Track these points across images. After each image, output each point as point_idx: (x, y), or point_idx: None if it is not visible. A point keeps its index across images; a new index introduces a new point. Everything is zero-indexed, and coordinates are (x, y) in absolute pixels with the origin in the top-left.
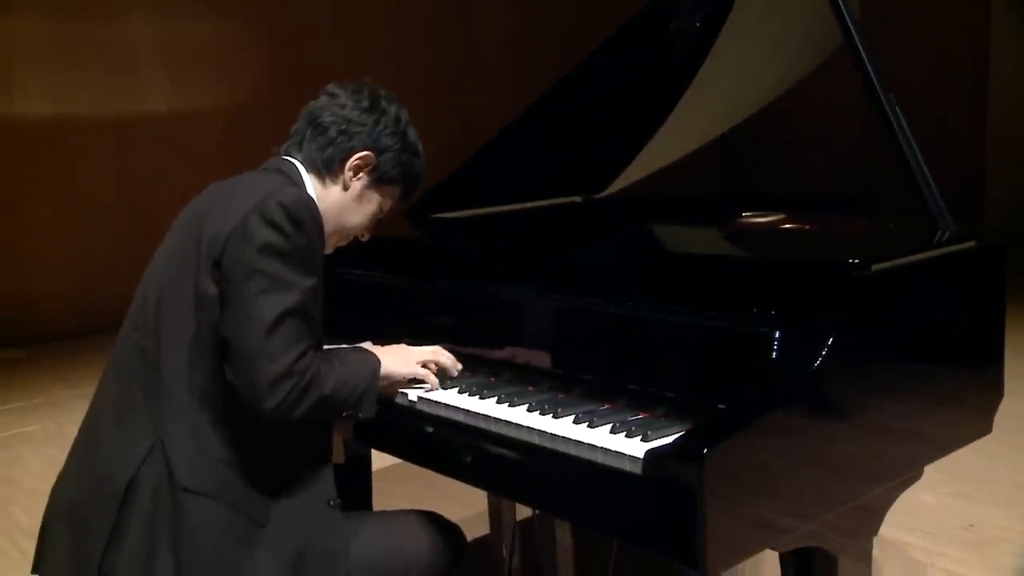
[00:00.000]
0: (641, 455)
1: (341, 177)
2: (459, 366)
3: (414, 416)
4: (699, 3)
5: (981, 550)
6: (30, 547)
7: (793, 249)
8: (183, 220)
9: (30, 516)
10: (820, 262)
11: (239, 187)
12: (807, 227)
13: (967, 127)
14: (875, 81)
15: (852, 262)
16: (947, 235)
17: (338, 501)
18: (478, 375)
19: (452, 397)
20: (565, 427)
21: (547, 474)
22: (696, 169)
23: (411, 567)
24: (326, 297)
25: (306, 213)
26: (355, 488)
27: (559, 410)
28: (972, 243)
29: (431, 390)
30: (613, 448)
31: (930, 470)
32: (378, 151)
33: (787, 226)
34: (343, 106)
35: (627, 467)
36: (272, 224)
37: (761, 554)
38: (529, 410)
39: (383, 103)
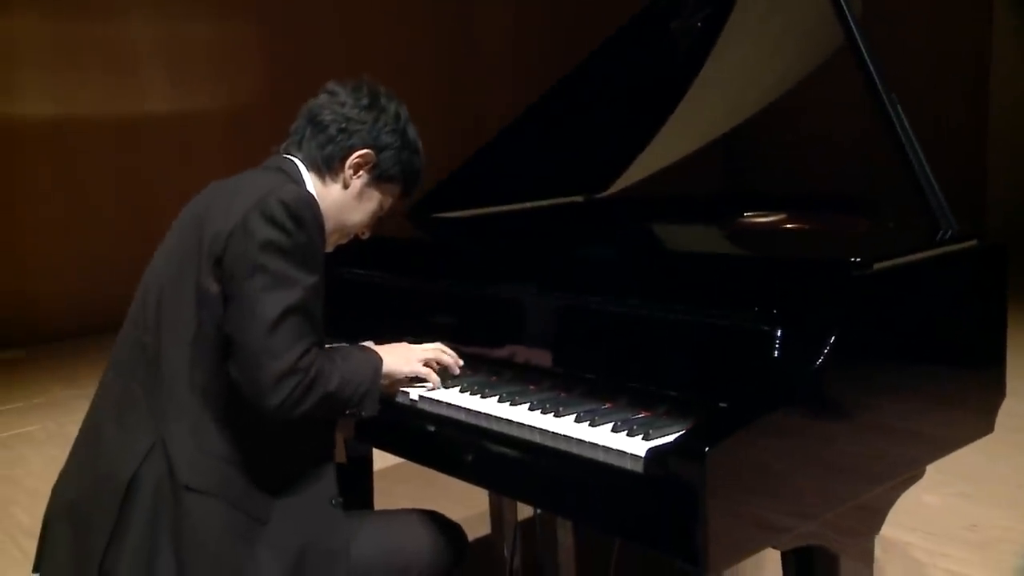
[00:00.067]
0: (643, 453)
1: (341, 175)
2: (460, 364)
3: (416, 415)
4: (700, 3)
5: (983, 550)
6: (31, 547)
7: (795, 248)
8: (183, 219)
9: (31, 516)
10: (822, 261)
11: (240, 185)
12: (808, 227)
13: (968, 127)
14: (877, 81)
15: (854, 261)
16: (949, 234)
17: (340, 499)
18: (479, 374)
19: (454, 396)
20: (567, 426)
21: (548, 473)
22: (697, 169)
23: (412, 566)
24: (327, 296)
25: (307, 210)
26: (356, 488)
27: (561, 409)
28: (974, 242)
29: (433, 389)
30: (615, 447)
31: (932, 470)
32: (378, 149)
33: (788, 226)
34: (343, 104)
35: (629, 465)
36: (273, 221)
37: (762, 553)
38: (531, 409)
39: (383, 101)
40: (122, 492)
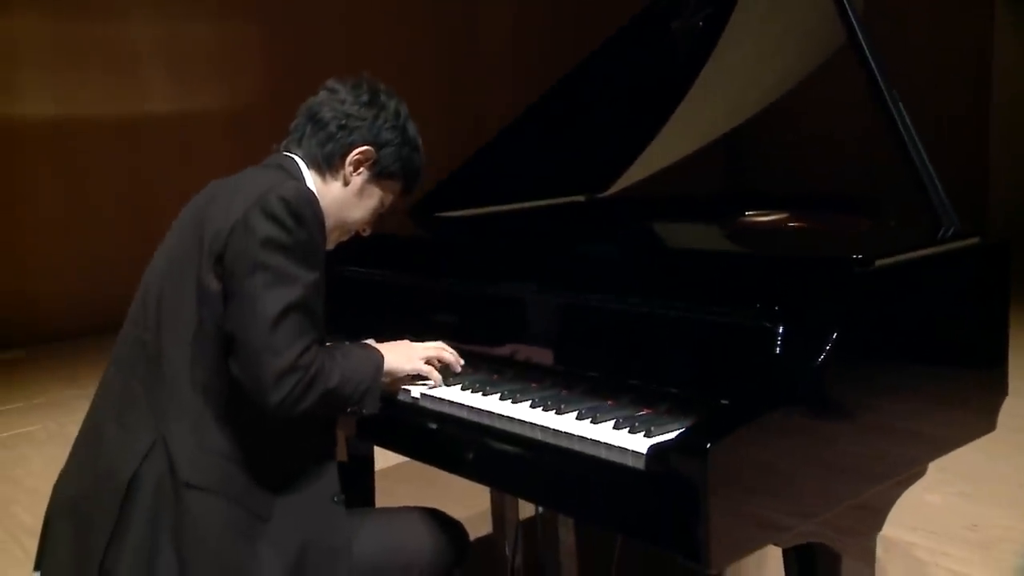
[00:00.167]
0: (644, 450)
1: (341, 172)
2: (462, 362)
3: (417, 412)
4: (702, 3)
5: (984, 550)
6: (33, 546)
7: (796, 245)
8: (184, 218)
9: (33, 515)
10: (823, 258)
11: (240, 183)
12: (810, 227)
13: (970, 125)
14: (879, 79)
15: (855, 258)
16: (951, 232)
17: (342, 497)
18: (481, 372)
19: (455, 393)
20: (568, 423)
21: (550, 470)
22: (699, 169)
23: (414, 564)
24: (329, 294)
25: (307, 207)
26: (358, 487)
27: (562, 406)
28: (976, 240)
29: (434, 387)
30: (616, 443)
31: (933, 470)
32: (378, 146)
33: (790, 225)
34: (343, 101)
35: (630, 462)
36: (274, 218)
37: (764, 550)
38: (532, 406)
39: (382, 98)
40: (123, 490)
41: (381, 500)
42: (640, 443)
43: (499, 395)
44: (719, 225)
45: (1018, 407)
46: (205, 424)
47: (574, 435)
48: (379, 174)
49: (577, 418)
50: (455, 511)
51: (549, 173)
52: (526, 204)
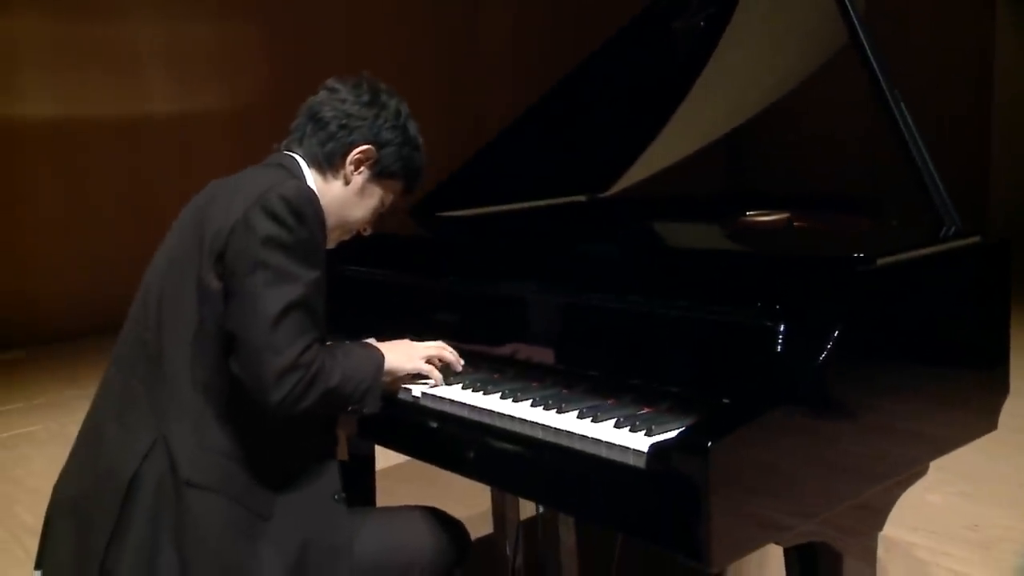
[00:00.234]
0: (645, 449)
1: (342, 171)
2: (462, 362)
3: (418, 411)
4: (703, 2)
5: (985, 549)
6: (34, 546)
7: (797, 244)
8: (184, 217)
9: (34, 515)
10: (825, 256)
11: (240, 182)
12: (811, 227)
13: (972, 125)
14: (880, 78)
15: (857, 256)
16: (952, 230)
17: (343, 495)
18: (482, 371)
19: (456, 393)
20: (569, 422)
21: (551, 469)
22: (700, 169)
23: (415, 563)
24: (329, 294)
25: (308, 206)
26: (358, 486)
27: (563, 405)
28: (977, 238)
29: (435, 386)
30: (617, 442)
31: (934, 470)
32: (379, 145)
33: (791, 225)
34: (343, 101)
35: (631, 461)
36: (274, 217)
37: (766, 549)
38: (533, 405)
39: (383, 97)
40: (123, 489)
41: (382, 500)
42: (641, 442)
43: (500, 394)
44: (720, 225)
45: (1019, 407)
46: (206, 423)
47: (575, 434)
48: (380, 173)
49: (578, 417)
50: (456, 511)
51: (550, 173)
52: (527, 204)
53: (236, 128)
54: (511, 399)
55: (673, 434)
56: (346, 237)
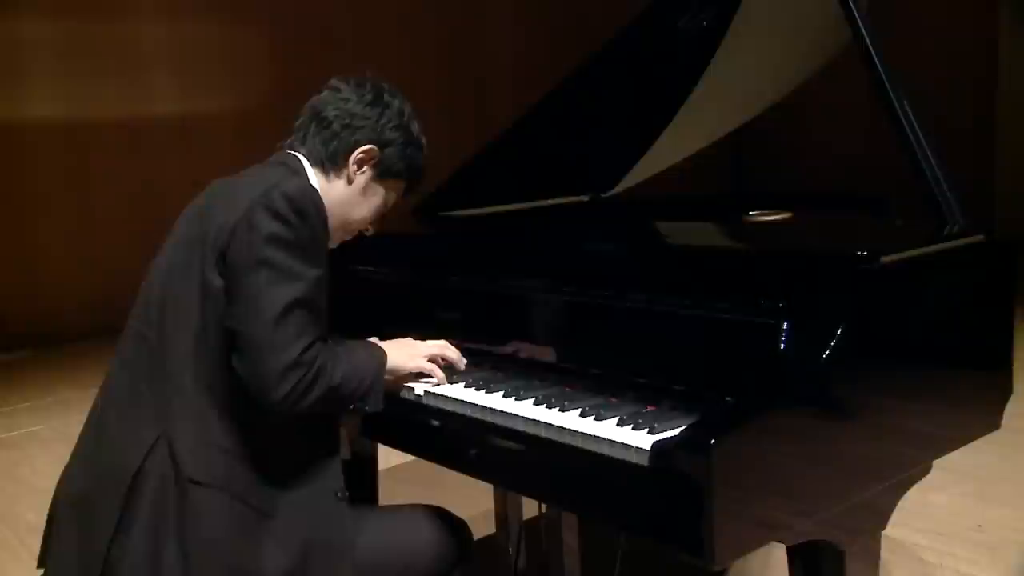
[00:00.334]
0: (648, 447)
1: (345, 171)
2: (465, 360)
3: (420, 410)
4: (707, 2)
5: (990, 550)
6: (38, 545)
7: (801, 241)
8: (187, 215)
9: (38, 515)
10: (829, 253)
11: (243, 181)
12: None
13: (976, 123)
14: (885, 77)
15: (861, 254)
16: (956, 228)
17: (346, 493)
18: (484, 369)
19: (459, 391)
20: (572, 420)
21: (554, 467)
22: (704, 168)
23: (417, 561)
24: (332, 293)
25: (310, 204)
26: (361, 485)
27: (566, 403)
28: (981, 237)
29: (437, 384)
30: (620, 440)
31: (939, 470)
32: (382, 145)
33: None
34: (346, 100)
35: (634, 459)
36: (277, 215)
37: (769, 547)
38: (536, 403)
39: (386, 96)
40: (127, 486)
41: (384, 499)
42: (644, 440)
43: (502, 392)
44: (724, 223)
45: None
46: (208, 420)
47: (577, 432)
48: (383, 173)
49: (581, 415)
50: (458, 511)
51: (553, 173)
52: (530, 204)
53: (242, 129)
54: (513, 397)
55: (676, 432)
56: (349, 237)
